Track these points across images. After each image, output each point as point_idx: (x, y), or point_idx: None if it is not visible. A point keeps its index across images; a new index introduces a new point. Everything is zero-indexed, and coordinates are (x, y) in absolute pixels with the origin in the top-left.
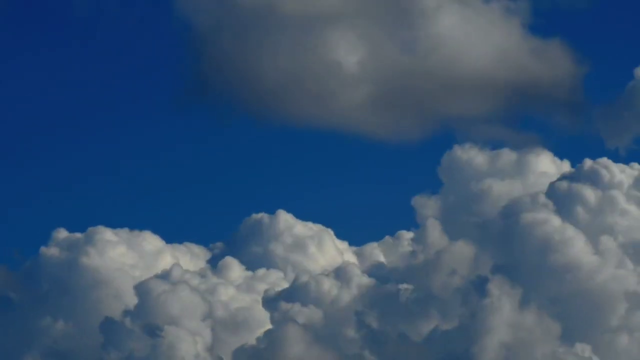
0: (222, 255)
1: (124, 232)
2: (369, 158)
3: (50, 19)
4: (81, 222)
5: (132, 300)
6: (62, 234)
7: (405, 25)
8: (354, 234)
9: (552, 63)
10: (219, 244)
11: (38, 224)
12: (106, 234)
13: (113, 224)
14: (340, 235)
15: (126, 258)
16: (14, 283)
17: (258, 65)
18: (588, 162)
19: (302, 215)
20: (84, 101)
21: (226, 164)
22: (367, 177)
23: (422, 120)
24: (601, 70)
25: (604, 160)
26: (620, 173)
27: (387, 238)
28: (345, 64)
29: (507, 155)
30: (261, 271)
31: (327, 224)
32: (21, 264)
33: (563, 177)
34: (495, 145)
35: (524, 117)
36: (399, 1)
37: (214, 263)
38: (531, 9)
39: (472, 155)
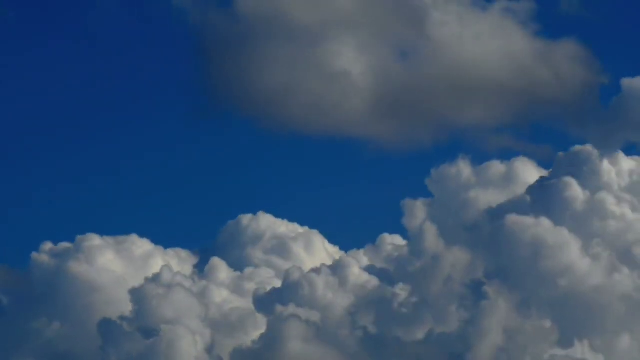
0: (207, 258)
1: (111, 237)
2: (369, 163)
3: (65, 27)
4: (66, 229)
5: (128, 305)
6: (48, 246)
7: (409, 33)
8: (344, 237)
9: (563, 68)
10: (204, 247)
11: (26, 231)
12: (95, 241)
13: (97, 230)
14: (331, 239)
15: (117, 263)
16: (13, 283)
17: (260, 73)
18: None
19: (294, 218)
20: (67, 107)
21: (221, 167)
22: (367, 182)
23: (425, 127)
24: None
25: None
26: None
27: (379, 241)
28: (348, 72)
29: (495, 167)
30: (250, 270)
31: (319, 228)
32: (13, 268)
33: (542, 179)
34: (497, 155)
35: (532, 125)
36: (403, 9)
37: (201, 266)
38: (538, 13)
39: (461, 168)
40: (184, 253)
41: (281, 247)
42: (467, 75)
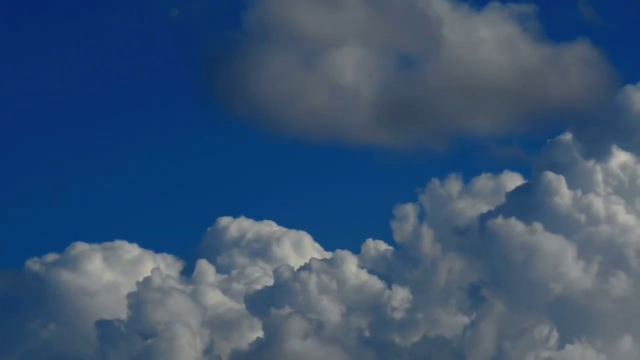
0: (192, 262)
1: (98, 244)
2: (370, 170)
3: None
4: (57, 235)
5: (122, 310)
6: (37, 259)
7: (413, 42)
8: (335, 242)
9: (573, 74)
10: (188, 251)
11: (19, 235)
12: (83, 248)
13: (83, 236)
14: (323, 243)
15: (106, 268)
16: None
17: (264, 81)
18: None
19: (282, 223)
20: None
21: (206, 172)
22: (366, 188)
23: (427, 136)
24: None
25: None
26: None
27: (368, 244)
28: (350, 81)
29: (484, 181)
30: (238, 272)
31: (309, 232)
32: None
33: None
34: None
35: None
36: (408, 18)
37: (187, 270)
38: (546, 16)
39: (452, 182)
40: (169, 258)
41: (267, 250)
42: (473, 83)
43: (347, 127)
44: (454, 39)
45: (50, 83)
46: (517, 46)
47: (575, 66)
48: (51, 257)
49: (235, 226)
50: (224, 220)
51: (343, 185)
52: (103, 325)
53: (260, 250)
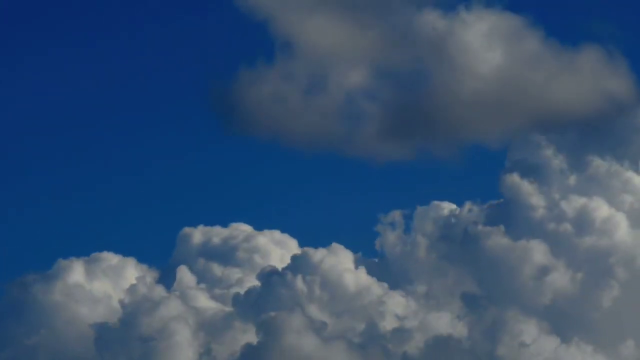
0: (168, 270)
1: (77, 257)
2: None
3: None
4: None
5: (117, 316)
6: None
7: (417, 51)
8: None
9: (585, 80)
10: (163, 260)
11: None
12: (66, 262)
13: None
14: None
15: (90, 279)
16: None
17: (263, 94)
18: None
19: (258, 225)
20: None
21: (184, 180)
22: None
23: (429, 146)
24: None
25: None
26: None
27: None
28: (355, 93)
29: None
30: (220, 276)
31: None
32: None
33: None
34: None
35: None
36: (412, 28)
37: (166, 277)
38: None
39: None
40: (144, 267)
41: (248, 254)
42: (479, 95)
43: (350, 140)
44: (458, 51)
45: (38, 91)
46: (522, 54)
47: (585, 73)
48: (34, 276)
49: (203, 233)
50: (189, 229)
51: (338, 194)
52: (99, 328)
53: (240, 254)
